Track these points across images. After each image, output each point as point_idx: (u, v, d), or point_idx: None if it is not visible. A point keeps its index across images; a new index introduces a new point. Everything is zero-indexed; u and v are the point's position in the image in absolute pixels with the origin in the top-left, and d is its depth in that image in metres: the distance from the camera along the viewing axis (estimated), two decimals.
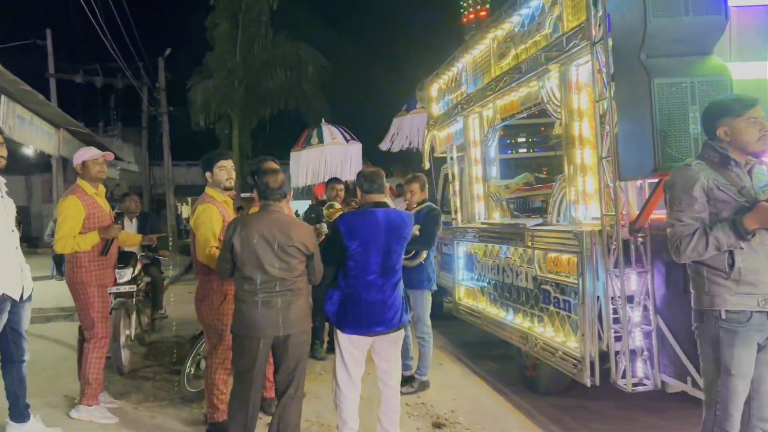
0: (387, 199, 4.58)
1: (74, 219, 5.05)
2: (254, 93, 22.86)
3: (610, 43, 3.91)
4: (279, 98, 22.81)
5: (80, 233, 5.07)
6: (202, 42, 23.81)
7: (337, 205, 5.49)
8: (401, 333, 4.47)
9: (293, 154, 8.30)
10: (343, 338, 4.30)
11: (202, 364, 5.65)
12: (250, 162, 5.78)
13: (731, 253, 2.79)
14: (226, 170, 4.79)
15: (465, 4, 7.06)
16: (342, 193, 7.26)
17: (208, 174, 4.80)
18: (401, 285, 4.43)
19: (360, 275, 4.24)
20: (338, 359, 4.34)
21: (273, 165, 5.08)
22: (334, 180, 7.49)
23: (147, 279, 7.85)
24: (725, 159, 2.85)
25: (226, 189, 4.85)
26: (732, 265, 2.79)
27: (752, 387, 2.87)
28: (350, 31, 36.26)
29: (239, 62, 22.79)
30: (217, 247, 4.54)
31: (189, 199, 39.09)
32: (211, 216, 4.62)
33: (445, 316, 8.12)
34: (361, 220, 4.27)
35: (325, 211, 5.41)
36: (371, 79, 29.76)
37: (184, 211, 37.75)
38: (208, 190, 4.82)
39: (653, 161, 3.36)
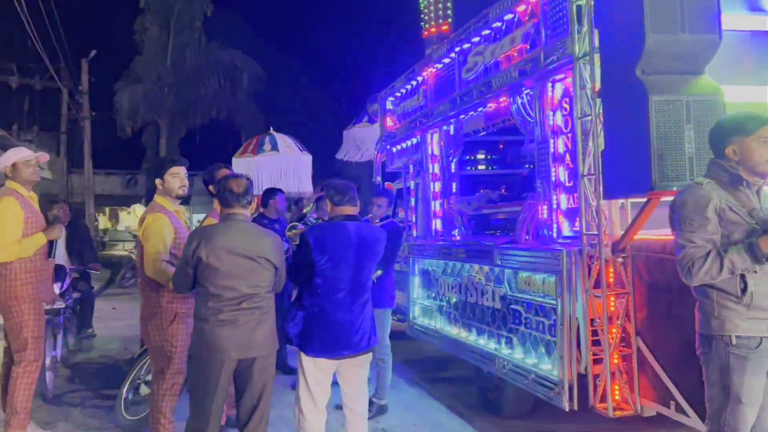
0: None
1: (14, 223, 4.54)
2: (185, 100, 22.14)
3: (597, 58, 3.85)
4: (211, 106, 22.17)
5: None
6: (130, 45, 22.86)
7: (300, 226, 5.17)
8: (369, 356, 4.20)
9: (240, 161, 7.90)
10: (307, 361, 3.99)
11: (142, 389, 5.17)
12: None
13: (743, 276, 2.71)
14: (179, 178, 4.42)
15: (426, 18, 6.97)
16: (284, 203, 6.93)
17: (158, 181, 4.42)
18: (370, 305, 4.18)
19: (328, 293, 3.95)
20: (302, 384, 4.03)
21: (227, 172, 4.75)
22: (275, 190, 7.14)
23: (76, 294, 7.21)
24: (737, 179, 2.78)
25: (179, 198, 4.47)
26: (744, 290, 2.70)
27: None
28: (297, 42, 35.89)
29: (170, 68, 22.03)
30: (168, 261, 4.16)
31: (107, 209, 37.33)
32: (162, 226, 4.24)
33: (393, 334, 7.89)
34: (332, 233, 4.00)
35: (287, 233, 5.08)
36: (317, 91, 29.44)
37: (102, 221, 36.02)
38: (158, 198, 4.44)
39: (650, 180, 3.27)
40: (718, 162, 2.85)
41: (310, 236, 3.95)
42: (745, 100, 4.04)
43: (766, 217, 2.74)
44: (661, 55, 3.30)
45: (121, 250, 25.26)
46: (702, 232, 2.73)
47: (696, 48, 3.34)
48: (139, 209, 29.75)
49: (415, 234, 7.06)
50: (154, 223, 4.23)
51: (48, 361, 5.85)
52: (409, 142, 7.28)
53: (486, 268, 5.23)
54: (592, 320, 4.05)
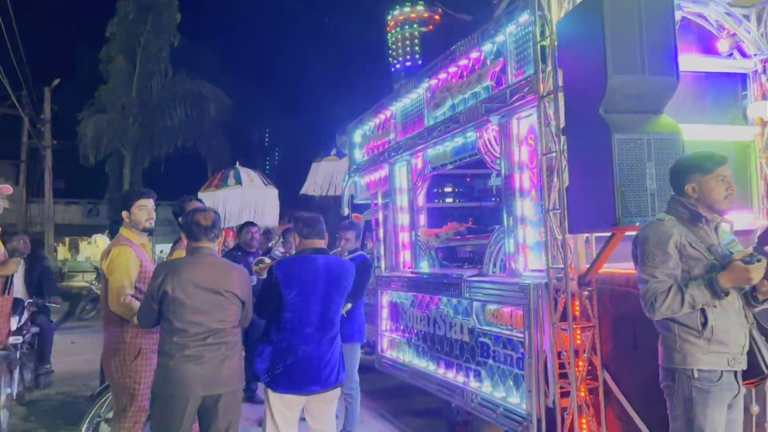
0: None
1: None
2: (150, 130, 21.95)
3: (561, 97, 3.96)
4: (177, 136, 22.00)
5: None
6: (95, 74, 22.62)
7: (267, 260, 5.13)
8: (337, 392, 4.17)
9: (205, 195, 7.84)
10: (274, 398, 3.94)
11: (102, 427, 5.00)
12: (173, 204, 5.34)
13: (703, 311, 2.78)
14: (146, 210, 4.36)
15: (394, 53, 7.09)
16: (258, 235, 6.90)
17: (124, 213, 4.35)
18: (339, 339, 4.16)
19: (297, 328, 3.93)
20: (268, 421, 3.98)
21: (198, 204, 4.71)
22: (249, 224, 7.13)
23: (34, 329, 6.99)
24: (696, 215, 2.87)
25: (145, 230, 4.40)
26: (705, 324, 2.77)
27: None
28: (265, 73, 35.99)
29: (135, 97, 21.87)
30: (132, 295, 4.08)
31: (67, 239, 36.42)
32: (127, 260, 4.16)
33: (361, 368, 7.82)
34: (301, 266, 3.99)
35: (254, 267, 5.03)
36: (285, 122, 29.49)
37: (61, 252, 35.12)
38: (123, 231, 4.36)
39: (613, 215, 3.35)
40: (678, 199, 2.94)
41: (278, 270, 3.93)
42: (703, 139, 4.21)
43: (724, 253, 2.83)
44: (622, 94, 3.41)
45: (81, 281, 24.63)
46: (664, 267, 2.80)
47: (655, 88, 3.47)
48: (100, 240, 29.12)
49: (383, 266, 7.06)
50: (119, 257, 4.15)
51: (2, 398, 5.64)
52: (377, 175, 7.32)
53: (454, 300, 5.26)
54: (559, 353, 4.08)
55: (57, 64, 25.59)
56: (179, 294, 3.48)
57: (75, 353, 10.05)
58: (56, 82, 23.52)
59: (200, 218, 3.68)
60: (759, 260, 2.65)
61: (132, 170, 21.94)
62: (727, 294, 2.73)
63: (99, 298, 7.18)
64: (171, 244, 5.06)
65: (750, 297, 2.84)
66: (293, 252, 4.94)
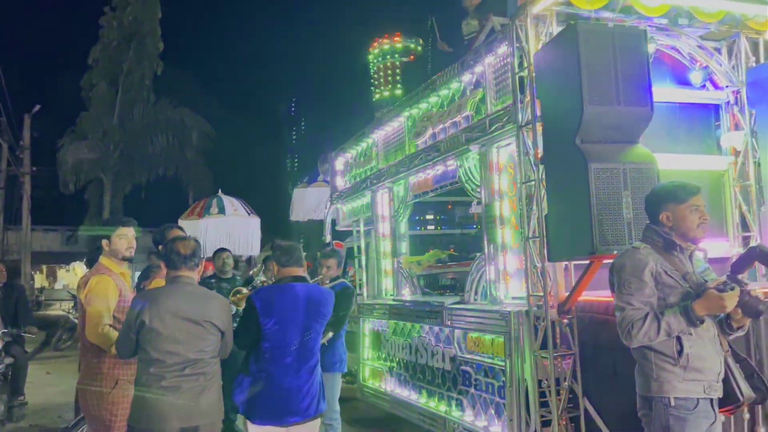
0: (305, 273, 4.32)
1: None
2: (131, 157, 21.84)
3: (539, 127, 4.03)
4: (159, 163, 21.91)
5: None
6: (77, 101, 22.55)
7: (245, 290, 5.09)
8: (317, 422, 4.11)
9: (186, 223, 7.78)
10: (253, 429, 3.88)
11: None
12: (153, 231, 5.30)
13: (679, 339, 2.80)
14: (126, 239, 4.31)
15: (376, 83, 7.17)
16: (230, 261, 6.83)
17: (104, 242, 4.29)
18: (318, 369, 4.12)
19: (276, 357, 3.88)
20: None
21: (179, 233, 4.67)
22: (221, 250, 7.06)
23: (8, 360, 6.83)
24: (670, 244, 2.91)
25: (125, 259, 4.35)
26: (680, 352, 2.79)
27: None
28: (247, 101, 36.20)
29: (117, 125, 21.77)
30: (111, 325, 4.01)
31: (44, 267, 35.85)
32: (106, 289, 4.09)
33: (342, 397, 7.74)
34: (279, 295, 3.96)
35: (231, 298, 4.98)
36: (267, 150, 29.61)
37: (38, 280, 34.54)
38: (103, 259, 4.30)
39: (591, 244, 3.39)
40: (653, 227, 2.99)
41: (256, 299, 3.90)
42: (678, 168, 4.29)
43: (699, 281, 2.86)
44: (598, 125, 3.48)
45: (58, 309, 24.19)
46: (640, 295, 2.83)
47: (630, 119, 3.54)
48: (79, 267, 28.69)
49: (365, 293, 7.05)
50: (98, 286, 4.09)
51: None
52: (359, 202, 7.35)
53: (436, 328, 5.25)
54: (540, 381, 4.09)
55: (38, 91, 25.54)
56: (157, 324, 3.43)
57: (50, 384, 9.82)
58: (37, 108, 23.38)
59: (180, 247, 3.65)
60: (732, 288, 2.68)
61: (112, 197, 21.75)
62: (702, 322, 2.75)
63: (76, 328, 7.06)
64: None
65: (724, 325, 2.87)
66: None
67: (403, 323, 5.88)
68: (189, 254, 3.65)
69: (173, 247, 3.67)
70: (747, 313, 2.75)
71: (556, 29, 4.16)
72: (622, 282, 2.89)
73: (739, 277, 2.77)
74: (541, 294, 4.07)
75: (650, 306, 2.83)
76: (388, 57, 7.04)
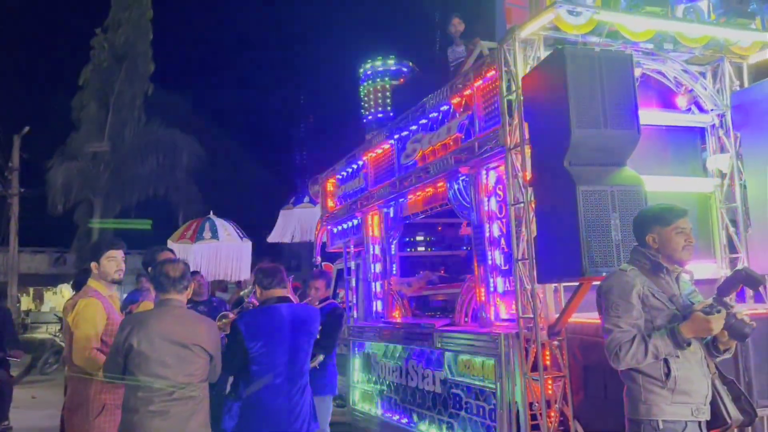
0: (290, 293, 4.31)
1: None
2: (121, 178, 21.75)
3: (527, 149, 4.07)
4: (149, 184, 21.83)
5: None
6: (67, 122, 22.51)
7: (231, 315, 5.05)
8: None
9: (177, 245, 7.74)
10: None
11: None
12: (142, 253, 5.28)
13: (666, 361, 2.80)
14: (115, 261, 4.28)
15: (366, 105, 7.25)
16: (204, 282, 6.78)
17: (93, 265, 4.27)
18: (309, 389, 4.09)
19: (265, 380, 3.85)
20: None
21: (170, 255, 4.66)
22: (194, 273, 7.01)
23: None
24: (657, 266, 2.93)
25: (114, 282, 4.32)
26: (668, 374, 2.79)
27: None
28: (238, 122, 36.38)
29: (107, 145, 21.70)
30: (99, 349, 3.97)
31: (31, 289, 35.45)
32: (94, 312, 4.06)
33: (333, 424, 7.66)
34: (264, 317, 3.95)
35: (218, 323, 4.93)
36: (257, 171, 29.63)
37: (25, 302, 34.13)
38: (91, 282, 4.26)
39: (580, 266, 3.40)
40: (640, 249, 3.01)
41: (240, 323, 3.89)
42: (665, 190, 4.33)
43: (686, 303, 2.88)
44: (586, 148, 3.51)
45: (45, 332, 23.88)
46: (627, 318, 2.84)
47: (618, 142, 3.59)
48: (66, 290, 28.38)
49: (355, 315, 7.02)
50: (86, 309, 4.04)
51: None
52: (349, 223, 7.35)
53: (426, 351, 5.23)
54: (530, 404, 4.07)
55: (28, 112, 25.49)
56: (145, 347, 3.40)
57: (35, 408, 9.65)
58: (26, 129, 23.30)
59: (169, 269, 3.63)
60: (719, 311, 2.68)
61: (102, 219, 21.62)
62: (688, 344, 2.76)
63: (62, 351, 6.97)
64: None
65: (711, 347, 2.87)
66: None
67: (394, 346, 5.85)
68: (178, 277, 3.63)
69: (162, 270, 3.65)
70: (733, 336, 2.76)
71: (543, 53, 4.22)
72: (610, 304, 2.90)
73: (726, 299, 2.77)
74: (531, 316, 4.08)
75: (638, 328, 2.84)
76: (379, 79, 7.10)
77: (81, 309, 4.04)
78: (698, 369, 2.83)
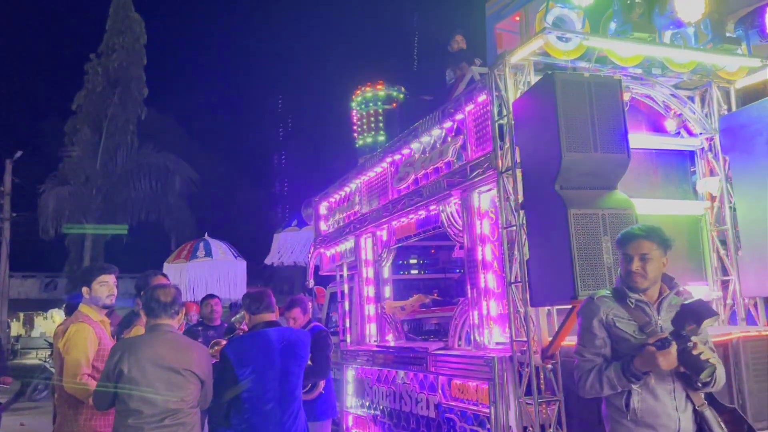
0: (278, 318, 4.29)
1: None
2: (113, 202, 21.72)
3: (519, 173, 4.10)
4: (141, 208, 21.80)
5: None
6: (60, 147, 22.50)
7: (223, 342, 5.01)
8: None
9: (172, 266, 7.72)
10: None
11: None
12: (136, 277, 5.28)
13: (629, 393, 2.71)
14: (107, 286, 4.26)
15: (358, 129, 7.31)
16: (218, 308, 6.76)
17: (85, 289, 4.24)
18: (302, 414, 4.05)
19: (256, 406, 3.82)
20: None
21: (163, 279, 4.63)
22: (209, 296, 7.00)
23: None
24: (621, 293, 2.83)
25: (105, 307, 4.29)
26: (628, 405, 2.70)
27: None
28: (231, 146, 36.52)
29: (99, 170, 21.70)
30: (90, 375, 3.93)
31: (21, 315, 35.08)
32: (85, 338, 4.02)
33: None
34: (252, 342, 3.93)
35: (211, 350, 4.89)
36: (250, 194, 29.69)
37: (15, 327, 33.75)
38: (83, 307, 4.23)
39: (573, 289, 3.41)
40: (618, 274, 2.96)
41: (229, 351, 3.87)
42: (656, 213, 4.37)
43: (656, 331, 2.69)
44: (576, 172, 3.55)
45: (35, 358, 23.59)
46: (591, 347, 2.78)
47: (608, 166, 3.63)
48: (57, 314, 28.09)
49: (348, 340, 6.98)
50: (77, 335, 4.01)
51: None
52: (342, 247, 7.35)
53: (420, 375, 5.20)
54: (525, 428, 4.04)
55: (21, 136, 25.50)
56: (136, 373, 3.37)
57: None
58: (19, 154, 23.28)
59: (160, 294, 3.62)
60: (670, 345, 2.55)
61: (94, 243, 21.52)
62: (638, 378, 2.64)
63: (52, 377, 6.88)
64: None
65: (693, 380, 2.69)
66: None
67: (387, 370, 5.81)
68: (169, 302, 3.62)
69: (153, 295, 3.65)
70: (690, 370, 2.62)
71: (533, 78, 4.27)
72: (579, 332, 2.87)
73: (684, 332, 2.61)
74: (525, 339, 4.07)
75: (603, 357, 2.78)
76: (371, 104, 7.21)
77: (72, 335, 4.01)
78: (668, 401, 2.71)
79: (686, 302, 2.74)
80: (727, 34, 4.64)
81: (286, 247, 9.21)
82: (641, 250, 2.77)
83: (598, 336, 2.77)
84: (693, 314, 2.65)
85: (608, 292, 2.89)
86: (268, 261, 9.16)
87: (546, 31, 4.06)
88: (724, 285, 4.73)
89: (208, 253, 7.68)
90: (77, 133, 21.87)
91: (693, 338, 2.60)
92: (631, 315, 2.77)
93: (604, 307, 2.80)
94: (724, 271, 4.78)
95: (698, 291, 4.65)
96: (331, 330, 7.70)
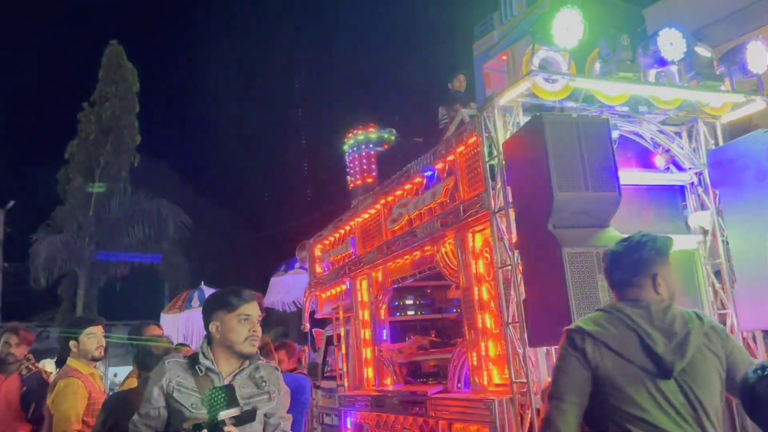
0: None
1: None
2: (106, 249, 21.57)
3: (512, 212, 4.11)
4: (134, 255, 21.68)
5: None
6: (52, 195, 22.49)
7: None
8: None
9: (168, 317, 7.65)
10: None
11: None
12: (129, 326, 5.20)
13: None
14: (96, 338, 4.18)
15: (351, 171, 7.36)
16: None
17: (72, 343, 4.16)
18: None
19: None
20: None
21: (157, 330, 4.57)
22: (181, 345, 6.87)
23: None
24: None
25: (95, 359, 4.22)
26: None
27: None
28: (225, 190, 36.60)
29: (92, 217, 21.64)
30: (79, 430, 3.84)
31: None
32: (75, 392, 3.93)
33: None
34: None
35: None
36: (245, 239, 29.63)
37: None
38: (71, 361, 4.15)
39: None
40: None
41: None
42: None
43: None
44: (569, 211, 3.56)
45: None
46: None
47: (600, 204, 3.65)
48: (49, 365, 27.63)
49: (346, 384, 6.87)
50: (66, 389, 3.92)
51: None
52: (338, 289, 7.30)
53: (420, 419, 5.11)
54: None
55: (13, 186, 25.49)
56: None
57: None
58: (11, 204, 23.25)
59: (152, 347, 3.58)
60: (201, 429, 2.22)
61: (87, 291, 21.30)
62: None
63: None
64: (125, 367, 4.83)
65: None
66: None
67: (386, 415, 5.71)
68: (161, 353, 3.56)
69: (146, 347, 3.60)
70: None
71: (522, 119, 4.33)
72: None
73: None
74: (525, 380, 4.02)
75: None
76: (363, 147, 7.26)
77: (61, 389, 3.93)
78: None
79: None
80: (710, 71, 4.72)
81: (284, 290, 9.15)
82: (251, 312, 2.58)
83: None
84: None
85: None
86: (267, 303, 9.07)
87: (533, 74, 4.13)
88: (721, 319, 4.71)
89: (203, 302, 7.57)
90: (70, 182, 21.88)
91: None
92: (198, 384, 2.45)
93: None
94: (721, 305, 4.76)
95: None
96: (327, 374, 7.59)
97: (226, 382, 2.46)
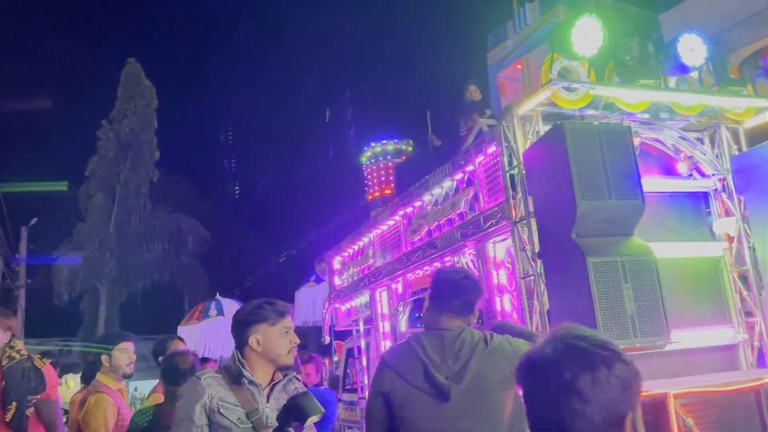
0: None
1: None
2: (127, 265, 21.82)
3: (533, 222, 4.09)
4: (154, 270, 21.87)
5: None
6: (73, 212, 22.81)
7: None
8: None
9: (186, 329, 7.68)
10: None
11: None
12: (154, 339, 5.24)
13: None
14: (127, 354, 4.21)
15: (370, 183, 7.38)
16: None
17: (104, 357, 4.19)
18: None
19: None
20: None
21: (181, 345, 4.60)
22: (203, 360, 6.87)
23: None
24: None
25: (125, 376, 4.25)
26: None
27: None
28: (243, 205, 36.92)
29: (113, 234, 21.89)
30: None
31: None
32: (105, 408, 3.96)
33: None
34: None
35: None
36: (264, 253, 29.84)
37: None
38: (101, 376, 4.18)
39: None
40: None
41: None
42: (673, 256, 4.32)
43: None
44: (592, 219, 3.53)
45: None
46: None
47: (623, 212, 3.61)
48: (72, 380, 27.86)
49: (366, 397, 6.84)
50: (96, 406, 3.95)
51: None
52: (358, 301, 7.29)
53: None
54: None
55: (35, 204, 25.85)
56: None
57: None
58: (33, 221, 23.57)
59: (179, 362, 3.60)
60: None
61: (108, 306, 21.54)
62: None
63: None
64: (146, 381, 4.85)
65: None
66: None
67: None
68: (188, 369, 3.59)
69: (172, 362, 3.63)
70: None
71: (542, 128, 4.31)
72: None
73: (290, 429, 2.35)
74: None
75: None
76: (381, 159, 7.31)
77: (91, 406, 3.95)
78: None
79: (291, 396, 2.44)
80: (732, 76, 4.68)
81: (308, 303, 9.13)
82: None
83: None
84: (296, 411, 2.35)
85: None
86: (297, 322, 9.06)
87: (552, 83, 4.12)
88: (750, 326, 4.63)
89: (220, 311, 7.61)
90: (90, 199, 22.19)
91: None
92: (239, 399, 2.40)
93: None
94: (749, 313, 4.68)
95: (723, 334, 4.56)
96: (348, 386, 7.57)
97: (265, 393, 2.47)
